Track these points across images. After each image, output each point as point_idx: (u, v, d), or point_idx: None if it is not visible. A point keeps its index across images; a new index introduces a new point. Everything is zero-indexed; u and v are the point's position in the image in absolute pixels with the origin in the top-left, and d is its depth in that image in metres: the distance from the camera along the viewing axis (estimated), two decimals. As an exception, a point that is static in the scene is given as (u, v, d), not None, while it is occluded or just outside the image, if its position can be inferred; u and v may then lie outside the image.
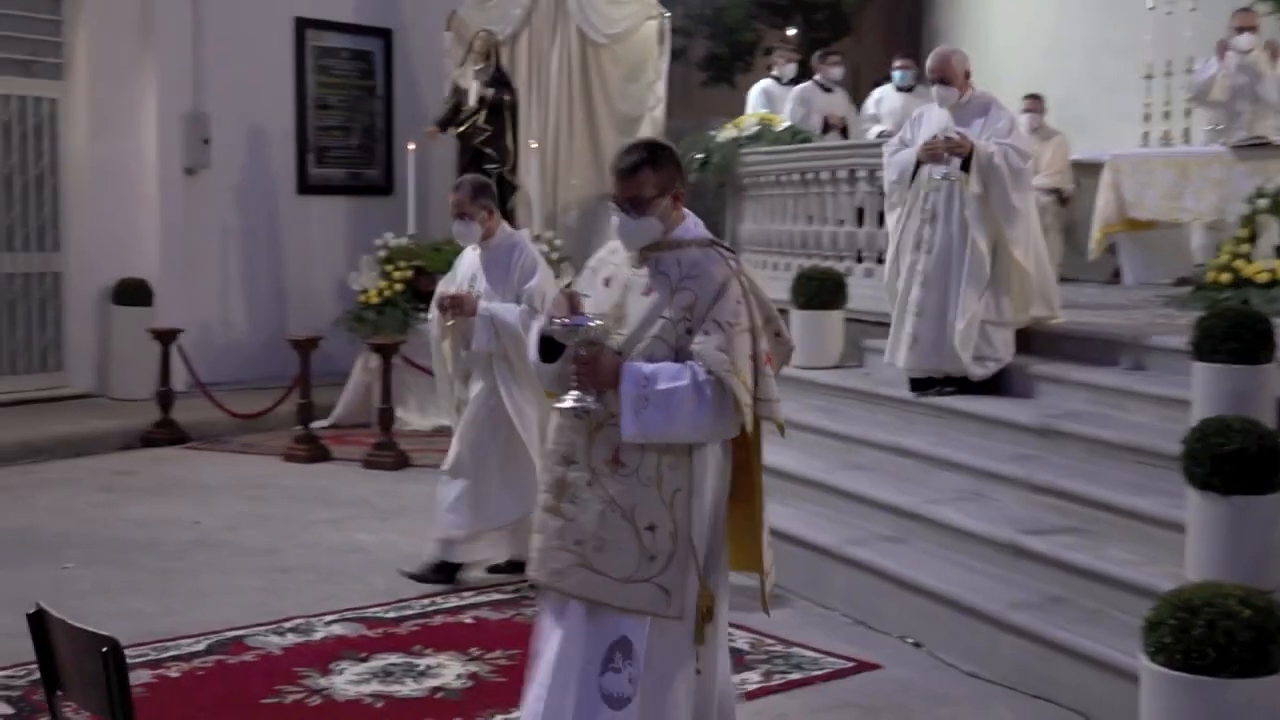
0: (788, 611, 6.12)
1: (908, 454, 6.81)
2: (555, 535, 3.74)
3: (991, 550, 5.83)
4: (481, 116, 10.78)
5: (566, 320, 3.62)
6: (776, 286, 8.89)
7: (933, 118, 7.12)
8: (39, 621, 2.75)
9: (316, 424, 10.04)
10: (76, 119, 11.04)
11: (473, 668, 5.35)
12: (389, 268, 10.75)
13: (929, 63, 7.21)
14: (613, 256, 3.88)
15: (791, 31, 14.56)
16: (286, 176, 12.35)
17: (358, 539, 7.36)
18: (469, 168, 10.82)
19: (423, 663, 5.39)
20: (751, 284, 3.79)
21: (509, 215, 10.61)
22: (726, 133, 10.68)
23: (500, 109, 10.82)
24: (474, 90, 10.79)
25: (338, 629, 5.79)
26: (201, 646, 5.56)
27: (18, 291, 10.83)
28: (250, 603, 6.19)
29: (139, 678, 5.14)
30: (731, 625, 5.90)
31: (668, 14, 11.23)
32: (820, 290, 8.16)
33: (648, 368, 3.63)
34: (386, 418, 9.31)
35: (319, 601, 6.18)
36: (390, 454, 9.22)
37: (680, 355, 3.62)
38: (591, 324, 3.61)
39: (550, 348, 3.74)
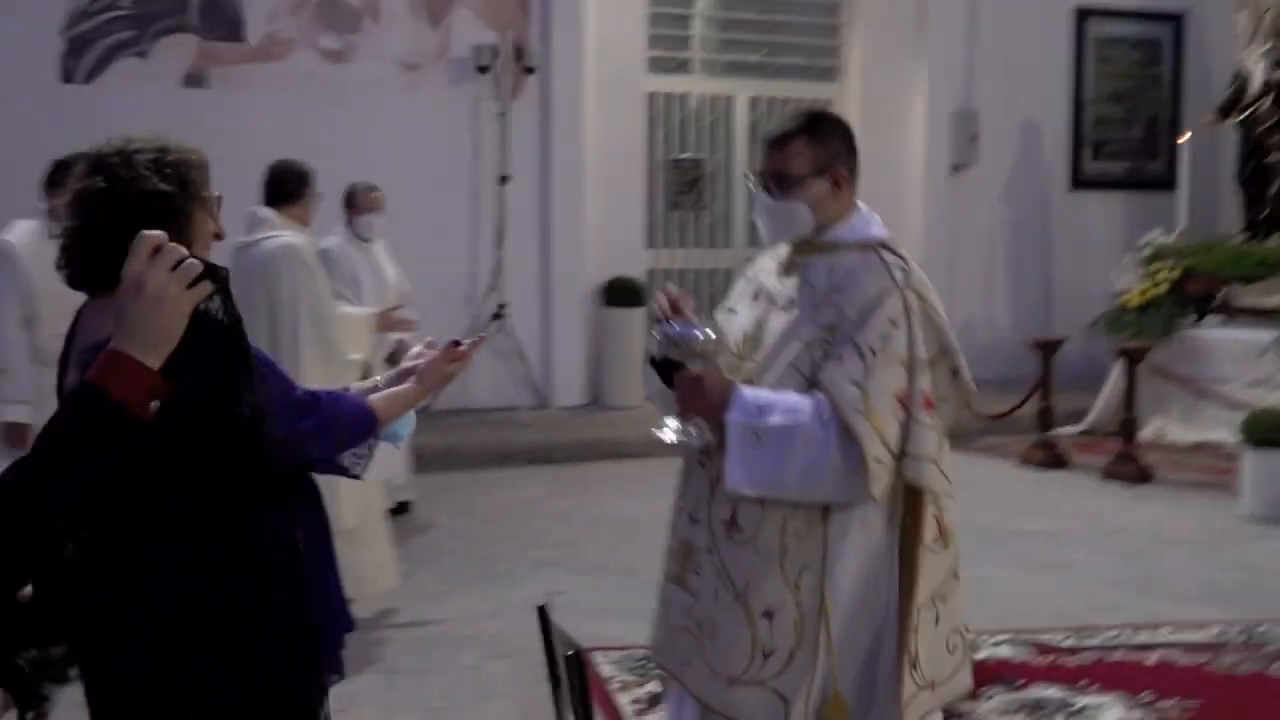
0: None
1: None
2: (681, 613, 2.94)
3: None
4: (1266, 102, 9.71)
5: (670, 328, 2.82)
6: None
7: None
8: (543, 618, 2.77)
9: (1066, 430, 9.64)
10: (849, 118, 11.35)
11: (1137, 714, 4.76)
12: (1155, 267, 10.01)
13: None
14: (770, 262, 3.04)
15: None
16: (1059, 172, 11.95)
17: (1066, 555, 6.89)
18: (1249, 159, 9.84)
19: (1081, 700, 4.87)
20: (923, 302, 2.82)
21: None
22: None
23: (1287, 93, 9.69)
24: (1259, 74, 9.74)
25: (1005, 650, 5.43)
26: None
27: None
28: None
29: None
30: None
31: None
32: None
33: (764, 395, 2.74)
34: (1129, 427, 8.69)
35: (996, 616, 5.85)
36: (1130, 467, 8.58)
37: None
38: (698, 334, 2.79)
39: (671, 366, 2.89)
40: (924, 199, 11.42)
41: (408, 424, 2.80)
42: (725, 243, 11.26)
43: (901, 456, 2.75)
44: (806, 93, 11.34)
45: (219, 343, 2.00)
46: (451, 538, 7.19)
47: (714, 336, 2.83)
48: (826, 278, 2.87)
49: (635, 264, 10.65)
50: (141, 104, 8.92)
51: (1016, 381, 10.53)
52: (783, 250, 3.02)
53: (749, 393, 2.78)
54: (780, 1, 11.26)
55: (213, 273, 1.84)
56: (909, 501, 2.86)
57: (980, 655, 5.36)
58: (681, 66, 11.15)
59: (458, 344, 2.80)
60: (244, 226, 5.64)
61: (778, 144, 2.93)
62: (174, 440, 1.89)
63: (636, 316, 10.36)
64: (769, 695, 2.79)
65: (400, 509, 7.37)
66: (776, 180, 2.92)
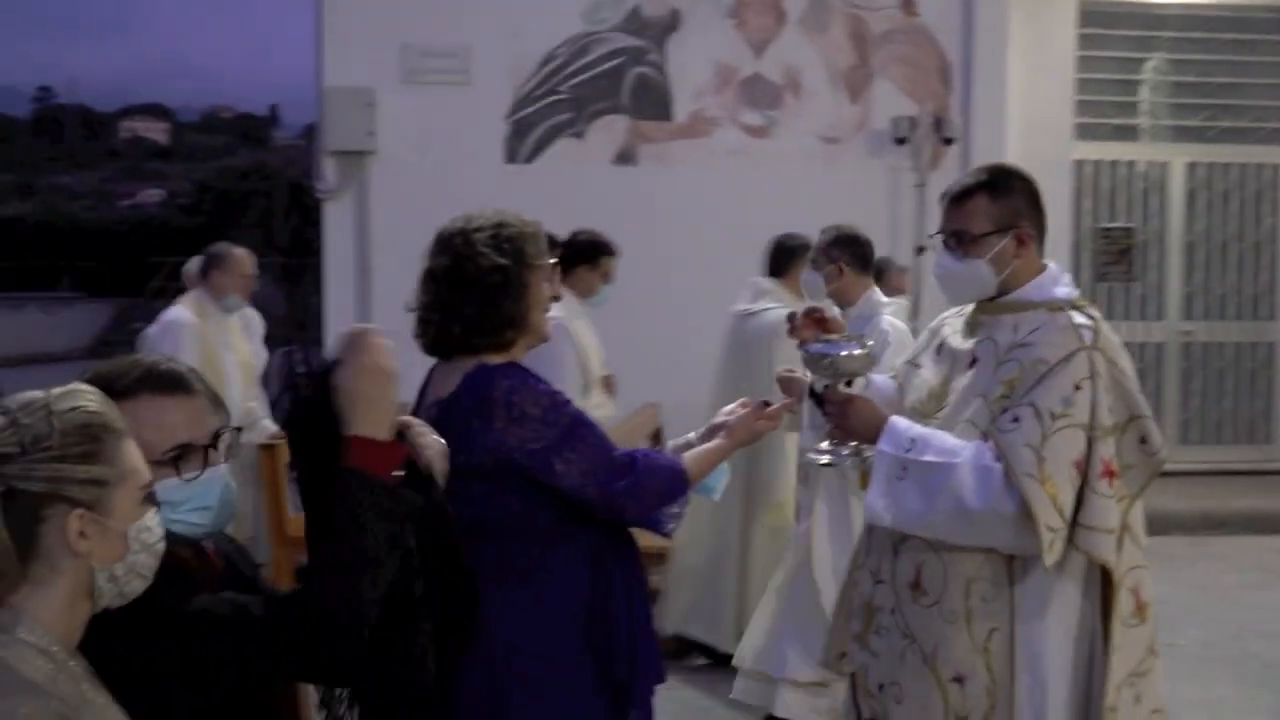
0: None
1: None
2: (860, 672, 2.85)
3: None
4: None
5: (813, 347, 2.77)
6: None
7: None
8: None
9: None
10: (1303, 182, 10.65)
11: None
12: None
13: None
14: (956, 319, 2.86)
15: None
16: None
17: None
18: None
19: None
20: (1112, 365, 2.62)
21: None
22: None
23: None
24: None
25: None
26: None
27: (1228, 360, 10.73)
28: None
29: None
30: None
31: None
32: None
33: (918, 430, 2.64)
34: None
35: None
36: None
37: None
38: (843, 352, 2.72)
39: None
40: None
41: (721, 477, 2.90)
42: (1157, 315, 10.72)
43: (1074, 526, 2.61)
44: (1255, 157, 10.68)
45: None
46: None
47: (859, 353, 2.79)
48: (1011, 335, 2.76)
49: (1057, 335, 10.29)
50: (576, 182, 9.53)
51: None
52: (968, 309, 2.93)
53: (903, 424, 2.74)
54: (1230, 63, 10.65)
55: None
56: (1101, 573, 2.71)
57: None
58: (1114, 133, 10.76)
59: (767, 404, 2.89)
60: (747, 296, 5.87)
61: (957, 201, 2.86)
62: (424, 494, 2.08)
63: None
64: None
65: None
66: (957, 239, 2.84)
